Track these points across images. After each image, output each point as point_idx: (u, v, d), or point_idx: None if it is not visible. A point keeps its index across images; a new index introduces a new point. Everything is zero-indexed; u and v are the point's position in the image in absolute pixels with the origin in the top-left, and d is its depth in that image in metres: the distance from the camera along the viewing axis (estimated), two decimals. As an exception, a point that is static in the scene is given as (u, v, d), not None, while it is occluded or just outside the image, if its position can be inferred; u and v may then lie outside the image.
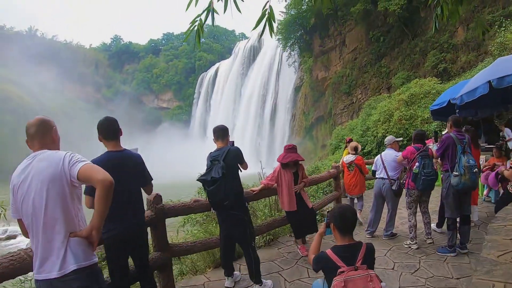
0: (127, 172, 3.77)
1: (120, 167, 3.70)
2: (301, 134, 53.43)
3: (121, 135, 4.11)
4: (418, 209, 6.85)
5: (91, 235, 2.55)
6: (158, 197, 4.79)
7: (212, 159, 4.99)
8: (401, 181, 7.05)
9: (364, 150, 20.40)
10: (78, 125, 77.50)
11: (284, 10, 44.36)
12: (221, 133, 5.22)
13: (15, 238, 24.07)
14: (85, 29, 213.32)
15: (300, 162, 6.61)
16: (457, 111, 8.24)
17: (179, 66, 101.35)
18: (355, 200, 9.83)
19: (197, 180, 5.06)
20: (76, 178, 2.54)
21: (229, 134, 5.38)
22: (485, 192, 10.12)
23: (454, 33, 25.52)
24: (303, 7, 41.82)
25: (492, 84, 6.53)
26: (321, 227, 3.53)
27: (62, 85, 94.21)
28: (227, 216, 5.00)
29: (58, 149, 2.96)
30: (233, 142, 5.42)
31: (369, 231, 7.59)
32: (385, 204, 7.50)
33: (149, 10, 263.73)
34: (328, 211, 3.44)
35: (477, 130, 10.82)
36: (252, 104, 66.67)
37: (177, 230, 8.82)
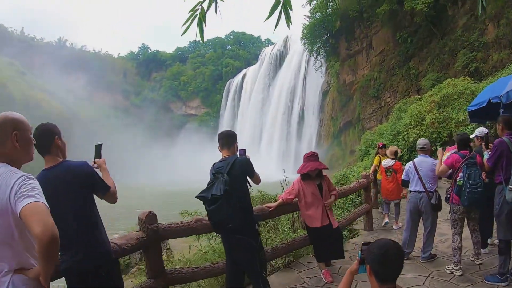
0: (63, 193, 3.01)
1: (53, 189, 2.93)
2: (329, 140, 52.77)
3: (63, 146, 3.35)
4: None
5: (39, 281, 2.13)
6: (151, 216, 4.11)
7: (215, 172, 4.27)
8: (446, 195, 6.03)
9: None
10: (108, 132, 79.05)
11: (309, 14, 43.81)
12: (226, 139, 4.52)
13: None
14: (113, 39, 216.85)
15: (324, 172, 5.89)
16: (501, 110, 7.04)
17: (206, 73, 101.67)
18: (391, 204, 9.48)
19: (195, 197, 4.22)
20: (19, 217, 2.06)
21: (237, 140, 4.67)
22: None
23: (484, 30, 24.40)
24: (328, 10, 41.25)
25: None
26: (354, 263, 2.66)
27: (91, 93, 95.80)
28: (233, 240, 4.28)
29: (25, 160, 2.57)
30: (244, 150, 4.71)
31: (404, 253, 6.59)
32: (421, 220, 6.55)
33: (175, 19, 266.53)
34: (363, 243, 2.54)
35: None
36: (279, 110, 66.35)
37: (190, 246, 8.25)
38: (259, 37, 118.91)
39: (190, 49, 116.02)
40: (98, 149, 3.94)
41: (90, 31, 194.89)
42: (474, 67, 23.19)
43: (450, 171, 5.80)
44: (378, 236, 8.31)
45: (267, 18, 2.81)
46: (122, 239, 3.84)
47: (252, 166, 4.45)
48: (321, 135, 56.24)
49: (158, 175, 68.59)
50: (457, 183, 5.53)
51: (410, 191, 6.53)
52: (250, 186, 4.50)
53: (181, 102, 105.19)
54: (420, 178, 6.31)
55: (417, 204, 6.34)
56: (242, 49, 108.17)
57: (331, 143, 51.14)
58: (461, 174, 5.50)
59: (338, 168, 32.30)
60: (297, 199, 5.77)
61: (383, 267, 2.30)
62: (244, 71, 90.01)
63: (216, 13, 2.84)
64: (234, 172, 4.17)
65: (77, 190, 3.05)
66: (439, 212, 6.46)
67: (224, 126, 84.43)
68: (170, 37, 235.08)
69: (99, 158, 3.85)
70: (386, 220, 9.29)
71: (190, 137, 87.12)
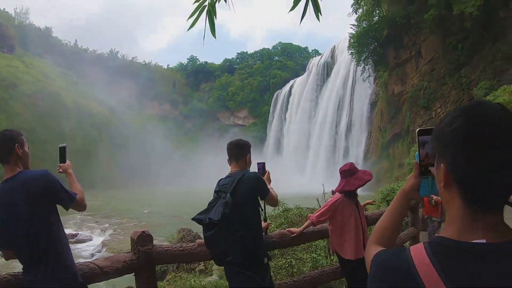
0: (20, 206, 2.75)
1: (10, 203, 2.77)
2: (377, 152, 51.09)
3: (25, 156, 2.99)
4: None
5: None
6: (144, 236, 3.60)
7: (218, 190, 3.61)
8: None
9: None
10: (158, 141, 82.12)
11: (355, 23, 42.83)
12: (235, 150, 3.86)
13: (84, 242, 24.92)
14: (162, 51, 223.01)
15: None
16: None
17: (254, 84, 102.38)
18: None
19: (192, 219, 3.58)
20: None
21: (250, 152, 3.97)
22: None
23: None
24: (374, 18, 40.23)
25: None
26: (411, 175, 1.53)
27: (141, 102, 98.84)
28: (235, 275, 3.52)
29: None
30: (263, 164, 4.20)
31: None
32: None
33: (222, 30, 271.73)
34: (419, 129, 1.22)
35: None
36: (327, 122, 65.09)
37: (197, 273, 7.38)
38: (306, 48, 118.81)
39: (238, 61, 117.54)
40: (63, 152, 3.44)
41: (141, 43, 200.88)
42: (530, 73, 21.37)
43: None
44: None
45: (292, 9, 2.58)
46: (106, 260, 3.55)
47: (265, 184, 3.77)
48: (369, 148, 54.67)
49: (204, 183, 68.79)
50: None
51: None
52: (262, 209, 3.89)
53: (229, 112, 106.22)
54: None
55: None
56: (290, 60, 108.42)
57: (379, 155, 49.46)
58: None
59: (386, 182, 30.85)
60: (328, 222, 4.86)
61: (476, 160, 1.00)
62: (291, 82, 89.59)
63: (226, 1, 2.64)
64: (240, 191, 3.49)
65: (35, 203, 2.80)
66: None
67: (271, 137, 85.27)
68: (218, 49, 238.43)
69: (64, 162, 3.39)
70: None
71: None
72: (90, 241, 25.41)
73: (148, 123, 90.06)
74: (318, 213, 4.66)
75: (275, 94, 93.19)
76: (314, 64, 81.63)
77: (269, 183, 4.06)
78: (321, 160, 62.32)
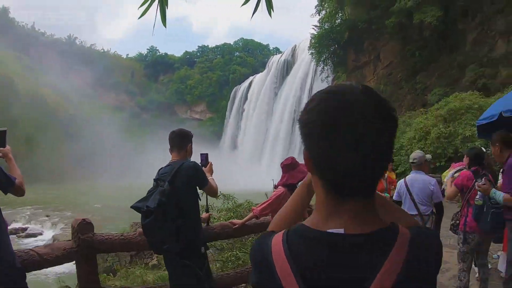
0: None
1: None
2: (334, 152, 52.16)
3: None
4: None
5: None
6: (84, 224, 3.60)
7: (158, 178, 3.64)
8: (453, 222, 5.31)
9: (398, 171, 19.12)
10: (113, 131, 79.47)
11: (317, 24, 43.72)
12: (177, 140, 3.88)
13: (34, 237, 24.53)
14: (122, 40, 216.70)
15: None
16: None
17: (213, 78, 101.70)
18: None
19: (131, 207, 3.65)
20: None
21: (191, 142, 4.00)
22: None
23: (494, 46, 24.14)
24: (337, 21, 41.19)
25: None
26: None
27: (97, 91, 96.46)
28: (173, 264, 3.62)
29: None
30: (206, 155, 4.17)
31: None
32: None
33: (184, 23, 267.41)
34: None
35: None
36: (284, 119, 65.71)
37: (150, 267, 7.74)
38: (267, 45, 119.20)
39: (199, 54, 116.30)
40: (2, 136, 3.40)
41: (101, 31, 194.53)
42: (482, 83, 22.89)
43: None
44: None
45: (244, 3, 2.53)
46: (46, 248, 3.50)
47: (203, 173, 3.82)
48: (326, 147, 55.76)
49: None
50: (476, 203, 4.62)
51: None
52: (200, 199, 3.89)
53: (187, 106, 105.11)
54: (412, 199, 5.43)
55: None
56: (250, 56, 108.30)
57: (337, 156, 50.42)
58: (479, 193, 4.61)
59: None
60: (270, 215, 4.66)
61: (325, 144, 0.97)
62: (251, 78, 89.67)
63: None
64: (178, 180, 3.52)
65: None
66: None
67: (228, 132, 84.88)
68: (179, 41, 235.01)
69: (4, 146, 3.33)
70: None
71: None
72: (40, 235, 24.90)
73: (103, 113, 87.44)
74: (262, 206, 4.62)
75: (233, 90, 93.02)
76: (274, 61, 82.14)
77: (211, 174, 4.10)
78: (277, 157, 62.44)
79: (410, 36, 32.20)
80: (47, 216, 29.38)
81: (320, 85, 54.69)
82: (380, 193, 7.29)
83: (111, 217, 26.60)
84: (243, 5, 2.53)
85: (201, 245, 3.68)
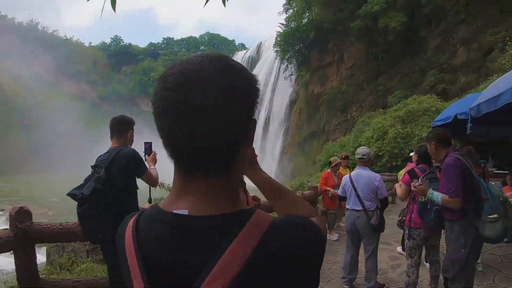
0: None
1: None
2: (293, 149, 52.49)
3: None
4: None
5: None
6: (22, 212, 3.46)
7: (95, 165, 3.50)
8: (400, 218, 5.51)
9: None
10: (72, 122, 77.09)
11: (284, 22, 44.02)
12: (117, 126, 3.73)
13: None
14: (86, 27, 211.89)
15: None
16: (469, 126, 6.22)
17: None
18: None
19: (67, 194, 3.45)
20: None
21: (132, 129, 3.85)
22: None
23: (455, 53, 24.89)
24: (303, 20, 41.56)
25: None
26: None
27: (58, 80, 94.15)
28: (111, 254, 3.34)
29: None
30: (150, 144, 4.01)
31: (346, 280, 5.61)
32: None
33: (150, 14, 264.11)
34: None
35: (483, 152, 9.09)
36: (246, 115, 65.45)
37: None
38: (233, 41, 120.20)
39: (163, 46, 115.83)
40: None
41: (64, 16, 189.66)
42: (441, 88, 23.57)
43: None
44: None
45: None
46: None
47: (142, 161, 3.68)
48: (286, 144, 56.08)
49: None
50: (420, 200, 4.55)
51: (347, 209, 5.60)
52: (138, 188, 3.65)
53: (149, 99, 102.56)
54: (357, 194, 5.35)
55: (354, 225, 5.39)
56: (215, 51, 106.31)
57: (295, 152, 50.80)
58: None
59: (299, 177, 32.04)
60: None
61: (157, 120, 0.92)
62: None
63: None
64: (115, 167, 3.40)
65: None
66: (391, 233, 5.94)
67: None
68: (144, 32, 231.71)
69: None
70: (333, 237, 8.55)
71: (153, 134, 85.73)
72: None
73: (63, 102, 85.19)
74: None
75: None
76: (239, 57, 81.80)
77: (154, 163, 3.96)
78: (237, 154, 62.94)
79: (374, 40, 32.66)
80: (1, 210, 27.59)
81: (284, 83, 55.19)
82: (332, 189, 7.39)
83: (67, 211, 25.53)
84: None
85: None
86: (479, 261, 5.59)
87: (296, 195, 1.41)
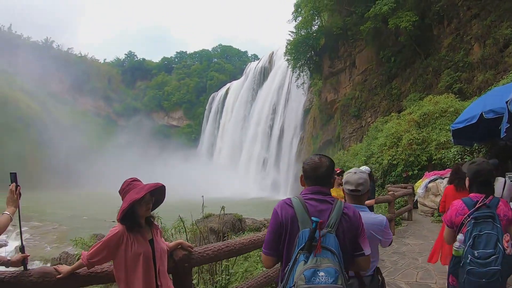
0: None
1: None
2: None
3: None
4: None
5: None
6: None
7: None
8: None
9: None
10: (88, 138, 77.71)
11: (294, 30, 43.18)
12: None
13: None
14: (100, 44, 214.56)
15: None
16: (504, 126, 4.88)
17: (191, 85, 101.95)
18: None
19: None
20: None
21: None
22: None
23: (469, 50, 23.50)
24: (313, 27, 40.80)
25: None
26: None
27: (74, 97, 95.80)
28: None
29: None
30: (14, 175, 2.94)
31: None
32: None
33: (163, 29, 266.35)
34: None
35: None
36: (261, 125, 65.56)
37: None
38: (246, 52, 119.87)
39: (176, 60, 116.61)
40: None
41: (79, 34, 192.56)
42: (458, 88, 22.07)
43: None
44: None
45: None
46: None
47: None
48: (301, 153, 55.19)
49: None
50: (454, 253, 3.40)
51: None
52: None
53: (164, 112, 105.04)
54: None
55: None
56: (228, 63, 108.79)
57: (310, 162, 49.74)
58: (461, 236, 3.33)
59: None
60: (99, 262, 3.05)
61: None
62: (228, 85, 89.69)
63: None
64: None
65: None
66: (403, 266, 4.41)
67: (205, 139, 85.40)
68: (157, 46, 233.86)
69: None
70: None
71: (169, 147, 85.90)
72: (5, 246, 23.48)
73: (79, 119, 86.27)
74: (92, 249, 2.99)
75: (211, 96, 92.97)
76: (252, 68, 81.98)
77: (12, 205, 2.96)
78: (253, 163, 62.58)
79: (385, 42, 31.69)
80: (13, 225, 27.69)
81: (297, 92, 54.50)
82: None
83: (81, 226, 25.50)
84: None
85: None
86: None
87: None
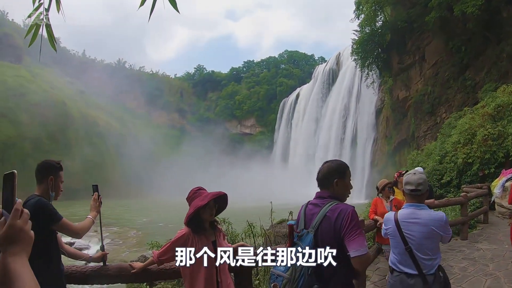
0: None
1: None
2: (383, 160, 49.95)
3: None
4: None
5: None
6: None
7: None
8: None
9: (442, 181, 16.96)
10: (163, 149, 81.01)
11: (358, 29, 41.88)
12: (36, 174, 3.41)
13: (81, 251, 24.56)
14: (170, 60, 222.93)
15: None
16: None
17: (261, 92, 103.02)
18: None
19: None
20: None
21: (55, 174, 3.43)
22: None
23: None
24: (377, 23, 39.37)
25: None
26: None
27: (149, 112, 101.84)
28: None
29: None
30: (96, 186, 3.70)
31: None
32: None
33: (229, 39, 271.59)
34: None
35: None
36: (333, 129, 64.64)
37: None
38: (312, 55, 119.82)
39: (245, 69, 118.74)
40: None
41: (149, 53, 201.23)
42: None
43: None
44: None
45: (141, 5, 2.35)
46: None
47: (49, 210, 3.24)
48: (375, 155, 53.55)
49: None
50: None
51: (392, 270, 3.57)
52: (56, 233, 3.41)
53: (236, 121, 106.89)
54: (408, 249, 3.37)
55: None
56: (296, 68, 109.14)
57: (385, 163, 48.16)
58: None
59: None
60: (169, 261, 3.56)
61: None
62: (298, 90, 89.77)
63: (58, 11, 2.51)
64: None
65: None
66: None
67: (278, 145, 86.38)
68: (225, 58, 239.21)
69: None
70: None
71: (243, 155, 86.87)
72: (87, 249, 24.82)
73: (155, 132, 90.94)
74: (161, 250, 3.50)
75: (281, 102, 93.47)
76: (320, 71, 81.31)
77: (94, 210, 3.72)
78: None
79: (453, 31, 29.72)
80: (95, 231, 29.33)
81: (367, 92, 53.13)
82: (381, 218, 5.29)
83: (158, 232, 26.62)
84: (140, 6, 2.36)
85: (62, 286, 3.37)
86: None
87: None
